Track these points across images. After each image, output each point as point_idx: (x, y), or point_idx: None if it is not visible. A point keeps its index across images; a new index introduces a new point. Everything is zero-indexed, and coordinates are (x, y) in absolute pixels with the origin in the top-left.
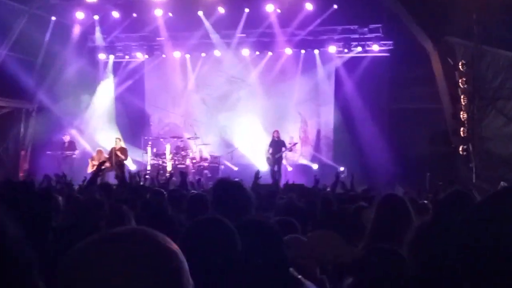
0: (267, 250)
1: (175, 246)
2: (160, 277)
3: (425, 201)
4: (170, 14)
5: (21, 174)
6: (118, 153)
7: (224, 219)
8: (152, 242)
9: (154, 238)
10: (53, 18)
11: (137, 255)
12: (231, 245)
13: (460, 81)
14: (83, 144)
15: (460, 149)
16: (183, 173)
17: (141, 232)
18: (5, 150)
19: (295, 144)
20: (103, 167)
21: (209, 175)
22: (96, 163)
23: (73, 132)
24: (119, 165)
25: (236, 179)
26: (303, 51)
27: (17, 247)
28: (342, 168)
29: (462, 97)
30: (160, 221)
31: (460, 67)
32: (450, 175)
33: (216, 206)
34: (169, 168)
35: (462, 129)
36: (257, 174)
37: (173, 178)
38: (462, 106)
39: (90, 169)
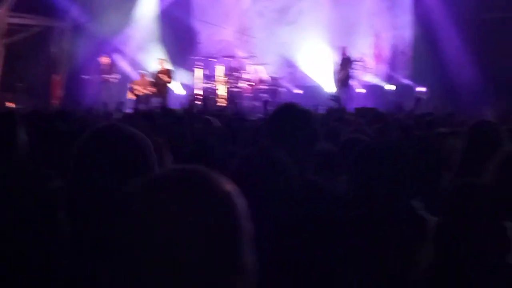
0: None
1: (230, 187)
2: (213, 221)
3: None
4: None
5: (55, 102)
6: (161, 75)
7: (279, 152)
8: (205, 183)
9: (207, 178)
10: None
11: (187, 197)
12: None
13: None
14: (124, 66)
15: None
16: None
17: (193, 173)
18: (35, 75)
19: (361, 59)
20: (147, 92)
21: (269, 99)
22: (138, 87)
23: (113, 53)
24: (163, 90)
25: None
26: None
27: None
28: (422, 89)
29: None
30: (204, 155)
31: None
32: None
33: (275, 137)
34: (220, 92)
35: None
36: (337, 99)
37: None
38: None
39: (131, 95)
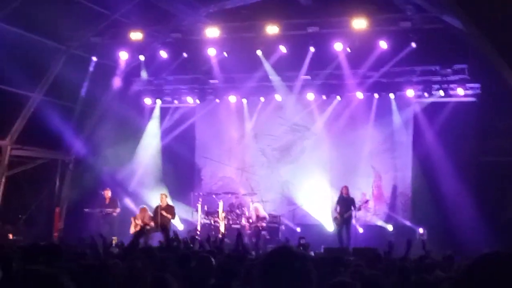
0: None
1: None
2: None
3: None
4: (225, 54)
5: (55, 234)
6: (164, 212)
7: None
8: None
9: None
10: (94, 58)
11: None
12: None
13: None
14: (126, 201)
15: None
16: (240, 234)
17: None
18: (38, 207)
19: (366, 201)
20: (148, 227)
21: (268, 236)
22: (139, 222)
23: (115, 187)
24: (164, 227)
25: (302, 240)
26: (376, 96)
27: None
28: (421, 230)
29: None
30: None
31: None
32: None
33: (266, 279)
34: (221, 228)
35: None
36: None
37: (226, 240)
38: None
39: (132, 229)
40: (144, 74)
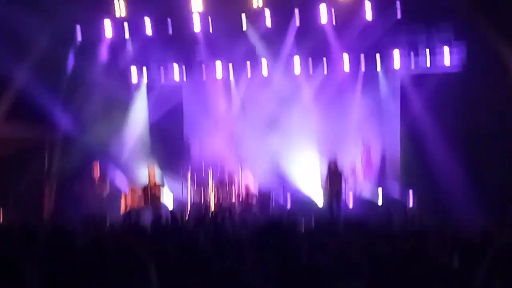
0: None
1: None
2: None
3: None
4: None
5: (45, 214)
6: (153, 189)
7: None
8: None
9: None
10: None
11: None
12: None
13: None
14: (116, 177)
15: None
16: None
17: None
18: (28, 187)
19: (353, 170)
20: (138, 205)
21: (258, 214)
22: (129, 200)
23: (104, 164)
24: (154, 203)
25: (291, 216)
26: (363, 66)
27: None
28: (411, 201)
29: None
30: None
31: None
32: None
33: (259, 253)
34: (211, 203)
35: None
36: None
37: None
38: None
39: (122, 208)
40: (129, 50)
